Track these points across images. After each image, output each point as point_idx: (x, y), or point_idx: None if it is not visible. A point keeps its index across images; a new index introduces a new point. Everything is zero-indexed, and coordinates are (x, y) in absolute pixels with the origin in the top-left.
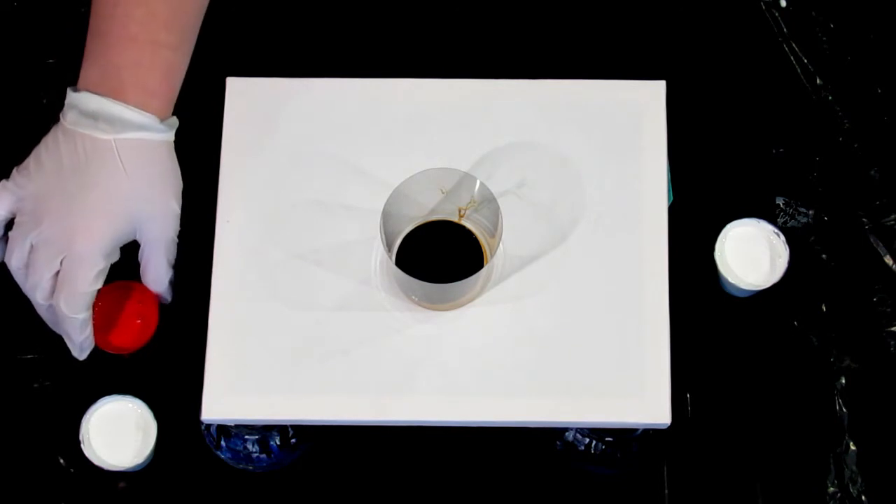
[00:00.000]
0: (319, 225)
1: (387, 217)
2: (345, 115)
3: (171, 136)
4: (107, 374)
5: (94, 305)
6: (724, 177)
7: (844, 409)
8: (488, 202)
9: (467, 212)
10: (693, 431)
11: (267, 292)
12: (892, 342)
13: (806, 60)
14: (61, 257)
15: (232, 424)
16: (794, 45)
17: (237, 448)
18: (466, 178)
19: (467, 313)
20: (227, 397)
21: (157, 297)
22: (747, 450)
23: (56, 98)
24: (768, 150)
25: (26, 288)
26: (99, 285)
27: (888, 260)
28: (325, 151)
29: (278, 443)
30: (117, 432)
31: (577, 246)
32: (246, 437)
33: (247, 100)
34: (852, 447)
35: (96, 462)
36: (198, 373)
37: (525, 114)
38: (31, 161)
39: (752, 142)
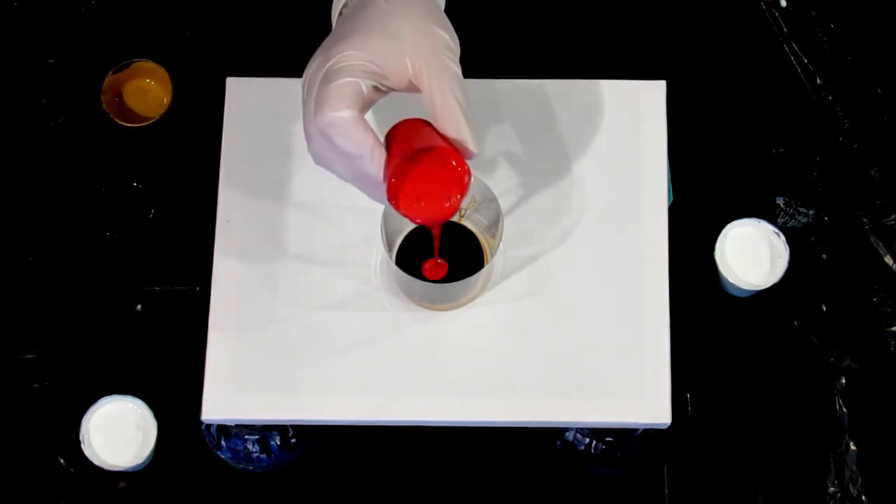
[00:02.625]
0: (319, 225)
1: (387, 217)
2: None
3: None
4: (107, 374)
5: (394, 168)
6: (724, 177)
7: (844, 409)
8: (488, 202)
9: (467, 212)
10: (693, 431)
11: (267, 292)
12: (892, 342)
13: (806, 60)
14: (325, 68)
15: (232, 424)
16: (794, 45)
17: (237, 448)
18: None
19: (467, 313)
20: (227, 397)
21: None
22: (747, 450)
23: (56, 98)
24: (768, 150)
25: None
26: (361, 83)
27: (888, 260)
28: None
29: (278, 443)
30: (117, 432)
31: (577, 246)
32: (246, 437)
33: (247, 100)
34: (852, 447)
35: (96, 462)
36: (198, 373)
37: (525, 114)
38: None
39: (752, 142)
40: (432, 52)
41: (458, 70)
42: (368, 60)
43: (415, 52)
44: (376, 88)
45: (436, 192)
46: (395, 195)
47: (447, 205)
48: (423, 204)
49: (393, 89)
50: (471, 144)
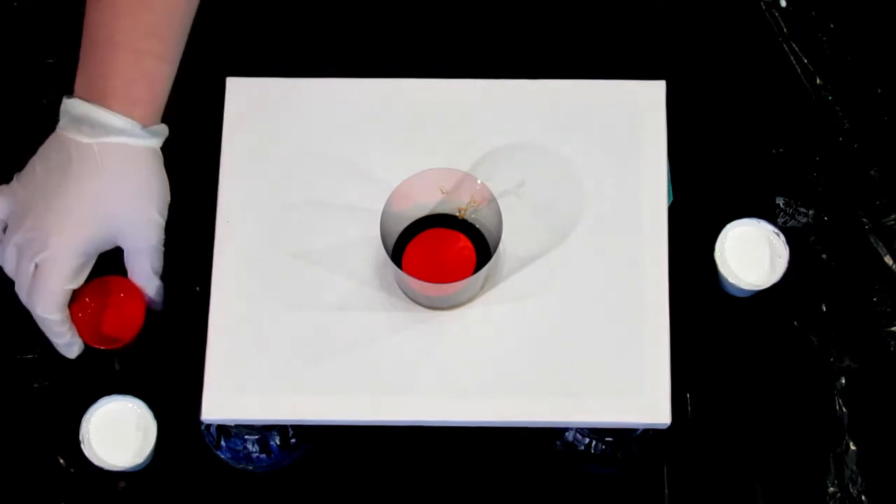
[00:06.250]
0: (319, 225)
1: (387, 217)
2: (345, 115)
3: (155, 143)
4: (107, 374)
5: (80, 301)
6: (724, 177)
7: (844, 409)
8: (487, 202)
9: (467, 212)
10: (693, 431)
11: (267, 292)
12: (892, 342)
13: (806, 60)
14: (38, 258)
15: (232, 424)
16: (794, 45)
17: (237, 448)
18: (466, 178)
19: (467, 313)
20: (227, 397)
21: (142, 292)
22: (747, 450)
23: (56, 98)
24: (768, 150)
25: (16, 290)
26: (72, 285)
27: (888, 260)
28: (325, 151)
29: (278, 443)
30: (117, 432)
31: (577, 246)
32: (246, 437)
33: (247, 100)
34: (852, 447)
35: (96, 462)
36: (198, 373)
37: (525, 114)
38: (28, 166)
39: (752, 142)
40: (137, 237)
41: (160, 242)
42: (83, 253)
43: (127, 240)
44: None
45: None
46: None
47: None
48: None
49: None
50: (153, 303)
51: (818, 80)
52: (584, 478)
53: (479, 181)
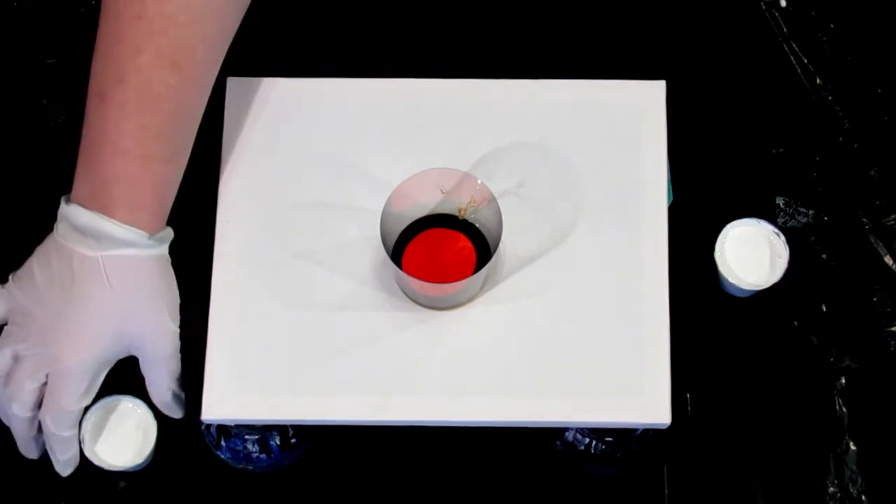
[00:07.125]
0: (319, 225)
1: (387, 217)
2: (345, 115)
3: (162, 250)
4: (107, 374)
5: None
6: (724, 177)
7: (844, 409)
8: (488, 202)
9: (467, 212)
10: (693, 431)
11: (267, 292)
12: (892, 342)
13: (806, 60)
14: (45, 372)
15: (232, 424)
16: (794, 45)
17: (237, 448)
18: (466, 178)
19: (467, 313)
20: (227, 397)
21: None
22: (747, 450)
23: (56, 98)
24: (768, 150)
25: (2, 397)
26: (86, 402)
27: (888, 260)
28: (325, 151)
29: (278, 443)
30: (117, 432)
31: (577, 246)
32: (246, 437)
33: (247, 100)
34: (852, 447)
35: (96, 462)
36: (198, 373)
37: (525, 114)
38: (25, 269)
39: (752, 142)
40: (150, 347)
41: (175, 350)
42: (95, 371)
43: (140, 350)
44: None
45: None
46: None
47: None
48: None
49: None
50: (170, 411)
51: (818, 80)
52: (584, 478)
53: (479, 181)
